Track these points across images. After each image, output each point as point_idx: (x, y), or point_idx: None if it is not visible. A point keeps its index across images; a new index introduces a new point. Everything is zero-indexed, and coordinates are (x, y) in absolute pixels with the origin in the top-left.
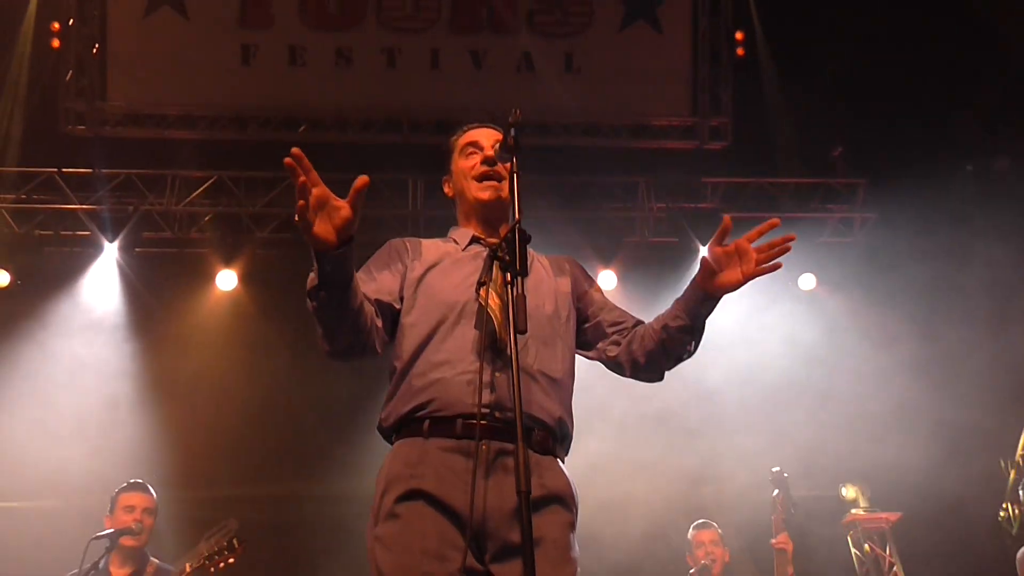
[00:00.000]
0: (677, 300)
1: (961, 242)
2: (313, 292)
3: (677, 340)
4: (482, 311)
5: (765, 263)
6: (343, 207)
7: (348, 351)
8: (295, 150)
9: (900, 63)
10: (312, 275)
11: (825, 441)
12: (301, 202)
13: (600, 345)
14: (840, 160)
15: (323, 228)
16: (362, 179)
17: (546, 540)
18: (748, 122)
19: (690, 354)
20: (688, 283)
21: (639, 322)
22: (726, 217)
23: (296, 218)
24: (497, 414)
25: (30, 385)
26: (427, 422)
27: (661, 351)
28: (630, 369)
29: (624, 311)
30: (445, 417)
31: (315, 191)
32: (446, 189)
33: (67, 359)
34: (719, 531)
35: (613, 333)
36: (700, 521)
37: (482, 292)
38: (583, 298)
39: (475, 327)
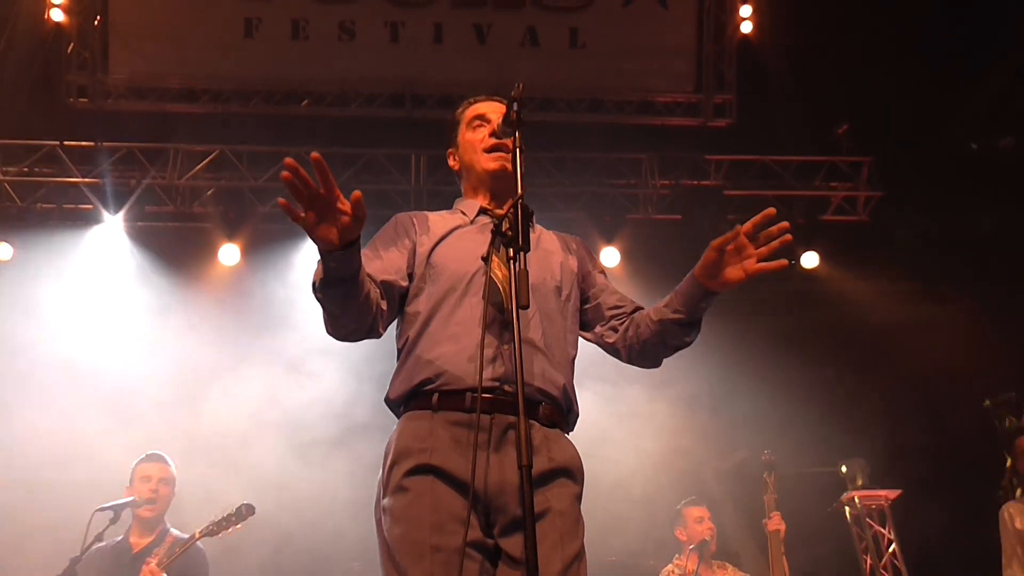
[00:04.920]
0: (676, 292)
1: (966, 221)
2: (319, 285)
3: (675, 333)
4: (489, 283)
5: (766, 258)
6: (346, 213)
7: (351, 335)
8: (315, 155)
9: (907, 41)
10: (317, 269)
11: (825, 418)
12: (300, 215)
13: (598, 329)
14: (845, 138)
15: (326, 230)
16: (357, 194)
17: (555, 513)
18: (753, 99)
19: (688, 345)
20: (688, 275)
21: (637, 308)
22: (740, 228)
23: (292, 218)
24: (506, 387)
25: (32, 359)
26: (436, 395)
27: (659, 342)
28: (627, 356)
29: (623, 296)
30: (454, 391)
31: (326, 193)
32: (451, 162)
33: (70, 333)
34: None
35: (612, 318)
36: (692, 497)
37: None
38: (587, 278)
39: (483, 299)
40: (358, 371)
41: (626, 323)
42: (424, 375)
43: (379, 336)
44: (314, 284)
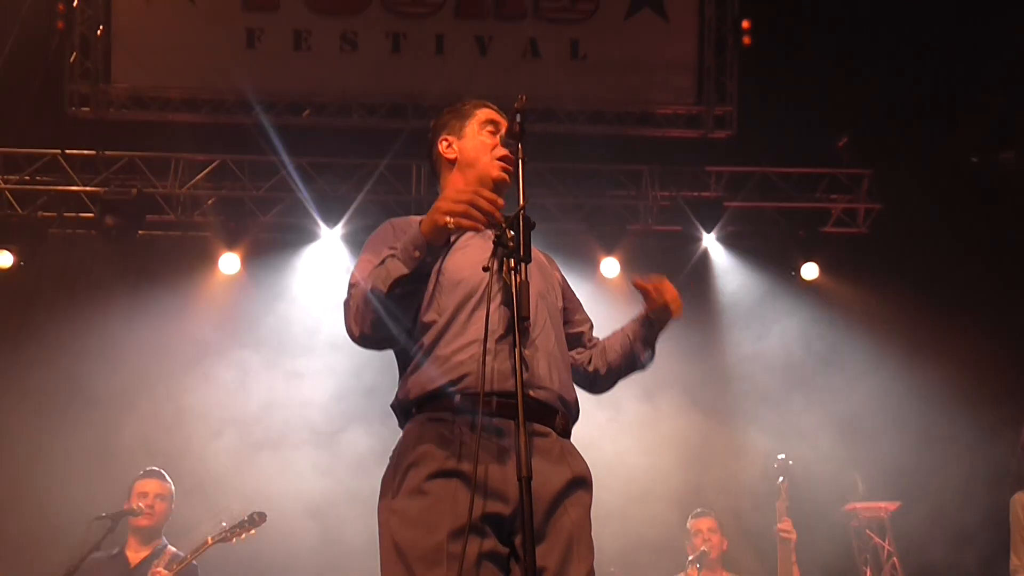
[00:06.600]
0: (638, 322)
1: (966, 234)
2: (401, 281)
3: (640, 362)
4: (503, 289)
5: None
6: None
7: (391, 339)
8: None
9: (907, 53)
10: (399, 265)
11: (825, 429)
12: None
13: (577, 355)
14: (845, 150)
15: None
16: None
17: (574, 525)
18: (753, 111)
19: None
20: (638, 319)
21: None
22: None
23: (451, 222)
24: (530, 392)
25: (32, 366)
26: (458, 397)
27: (628, 369)
28: (592, 384)
29: (592, 326)
30: (478, 393)
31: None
32: (443, 148)
33: (69, 341)
34: (717, 519)
35: (591, 347)
36: (698, 510)
37: (494, 273)
38: (572, 300)
39: (502, 305)
40: (349, 376)
41: (595, 354)
42: (448, 377)
43: (399, 344)
44: (386, 285)
